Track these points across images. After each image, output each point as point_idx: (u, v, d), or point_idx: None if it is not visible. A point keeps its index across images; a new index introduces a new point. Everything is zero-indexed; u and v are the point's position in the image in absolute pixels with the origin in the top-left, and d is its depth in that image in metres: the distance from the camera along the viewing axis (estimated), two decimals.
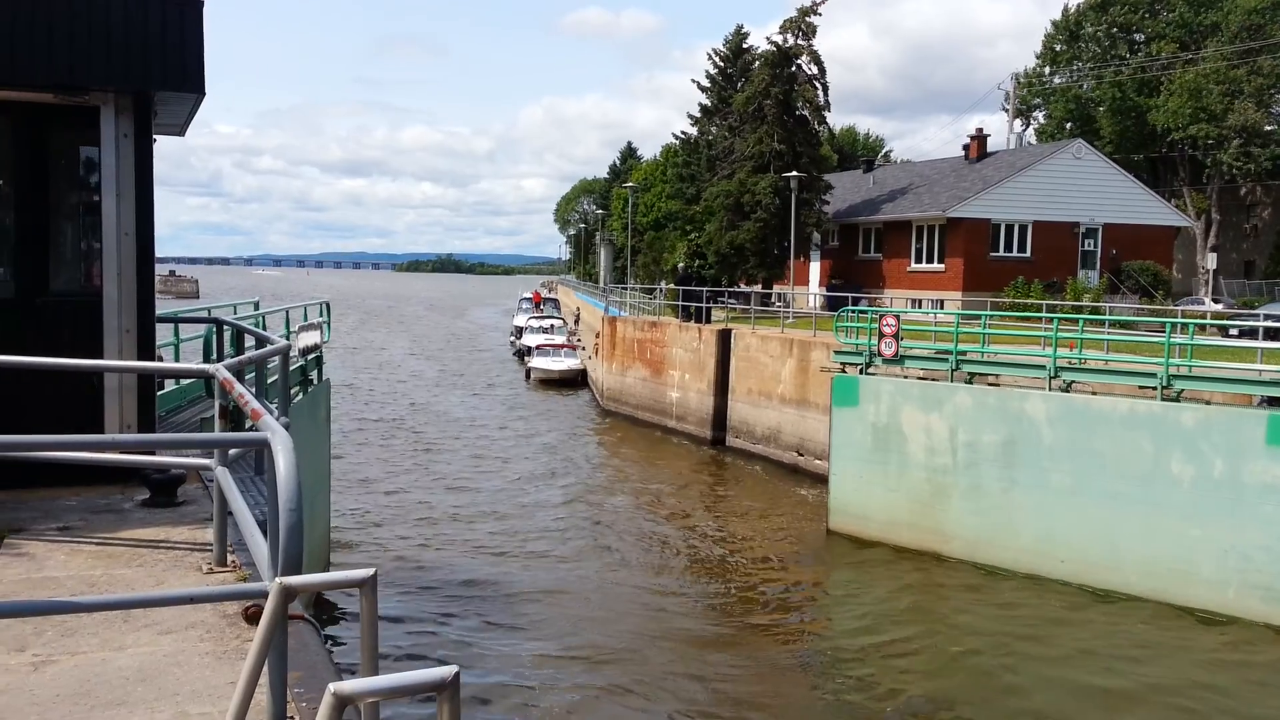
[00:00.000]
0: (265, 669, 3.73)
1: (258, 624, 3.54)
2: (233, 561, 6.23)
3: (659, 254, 64.86)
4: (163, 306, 12.45)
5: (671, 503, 22.76)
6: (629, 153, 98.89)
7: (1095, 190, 37.70)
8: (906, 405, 18.57)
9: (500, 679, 12.49)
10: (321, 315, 16.59)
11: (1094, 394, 16.73)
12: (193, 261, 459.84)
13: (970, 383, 18.13)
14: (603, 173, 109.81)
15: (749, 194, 41.70)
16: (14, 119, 8.36)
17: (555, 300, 72.85)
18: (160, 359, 11.10)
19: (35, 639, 5.07)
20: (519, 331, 56.17)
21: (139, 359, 8.41)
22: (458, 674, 2.51)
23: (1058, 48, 57.05)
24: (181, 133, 11.14)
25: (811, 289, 42.91)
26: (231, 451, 6.67)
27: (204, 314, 14.18)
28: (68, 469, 7.60)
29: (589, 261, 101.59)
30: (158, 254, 8.90)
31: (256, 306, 15.71)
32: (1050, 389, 16.98)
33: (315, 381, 15.03)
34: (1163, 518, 15.40)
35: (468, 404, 37.59)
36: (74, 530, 6.96)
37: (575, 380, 42.36)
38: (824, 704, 12.27)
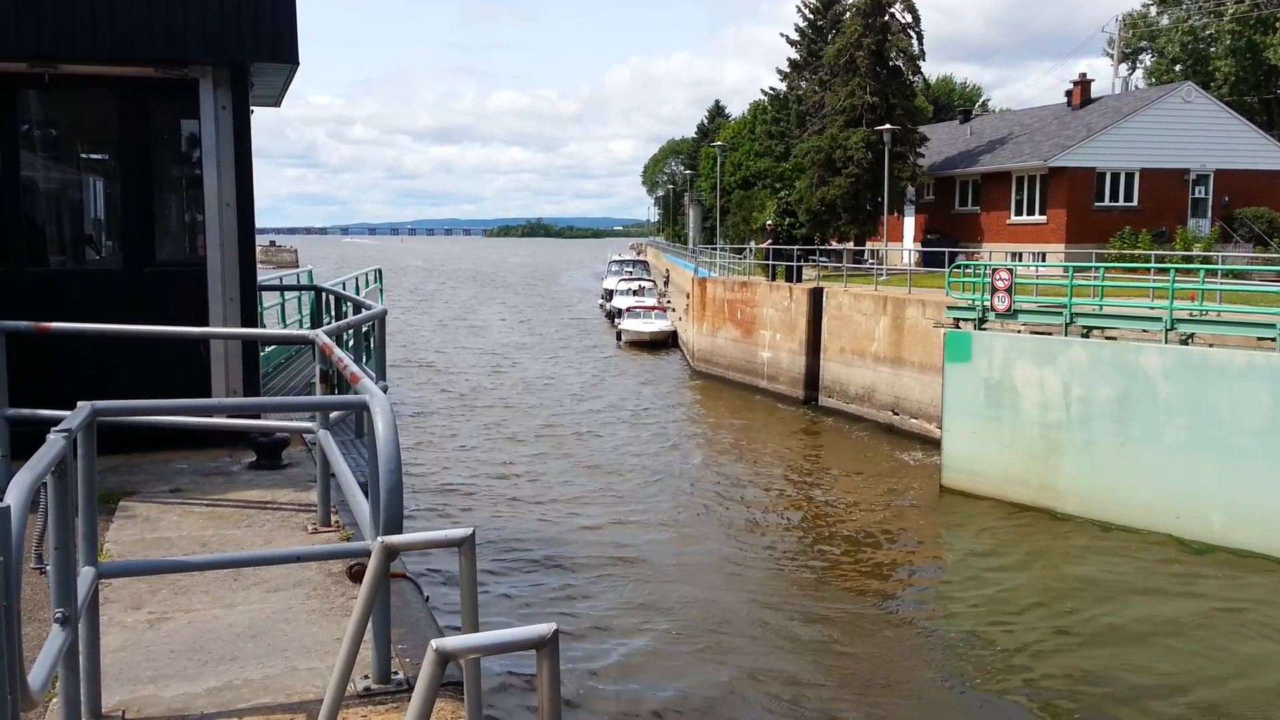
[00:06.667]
0: (369, 625, 3.78)
1: (361, 582, 3.59)
2: (336, 521, 6.37)
3: (748, 213, 64.23)
4: (263, 275, 12.82)
5: (769, 463, 22.64)
6: (716, 111, 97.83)
7: (1206, 135, 35.98)
8: (1020, 360, 18.23)
9: (595, 640, 12.60)
10: (375, 282, 17.03)
11: (1210, 346, 16.08)
12: (291, 231, 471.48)
13: (1086, 336, 17.66)
14: (690, 132, 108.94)
15: (840, 149, 40.90)
16: (118, 93, 8.59)
17: (644, 262, 72.83)
18: (264, 325, 11.40)
19: (151, 597, 5.25)
20: (609, 294, 56.39)
21: (243, 326, 8.63)
22: (556, 632, 2.50)
23: None
24: (277, 103, 11.35)
25: (906, 245, 41.99)
26: (333, 414, 6.80)
27: (276, 282, 14.82)
28: (178, 433, 7.87)
29: (678, 223, 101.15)
30: (258, 225, 9.10)
31: (311, 276, 16.44)
32: (1166, 342, 16.41)
33: None
34: None
35: (558, 366, 37.89)
36: (185, 492, 7.19)
37: (666, 342, 42.36)
38: (943, 673, 12.04)
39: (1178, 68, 52.95)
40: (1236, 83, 49.46)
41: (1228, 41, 49.77)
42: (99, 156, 9.43)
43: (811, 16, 49.90)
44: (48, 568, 3.46)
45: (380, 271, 18.26)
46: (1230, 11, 49.51)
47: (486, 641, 2.53)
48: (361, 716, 4.03)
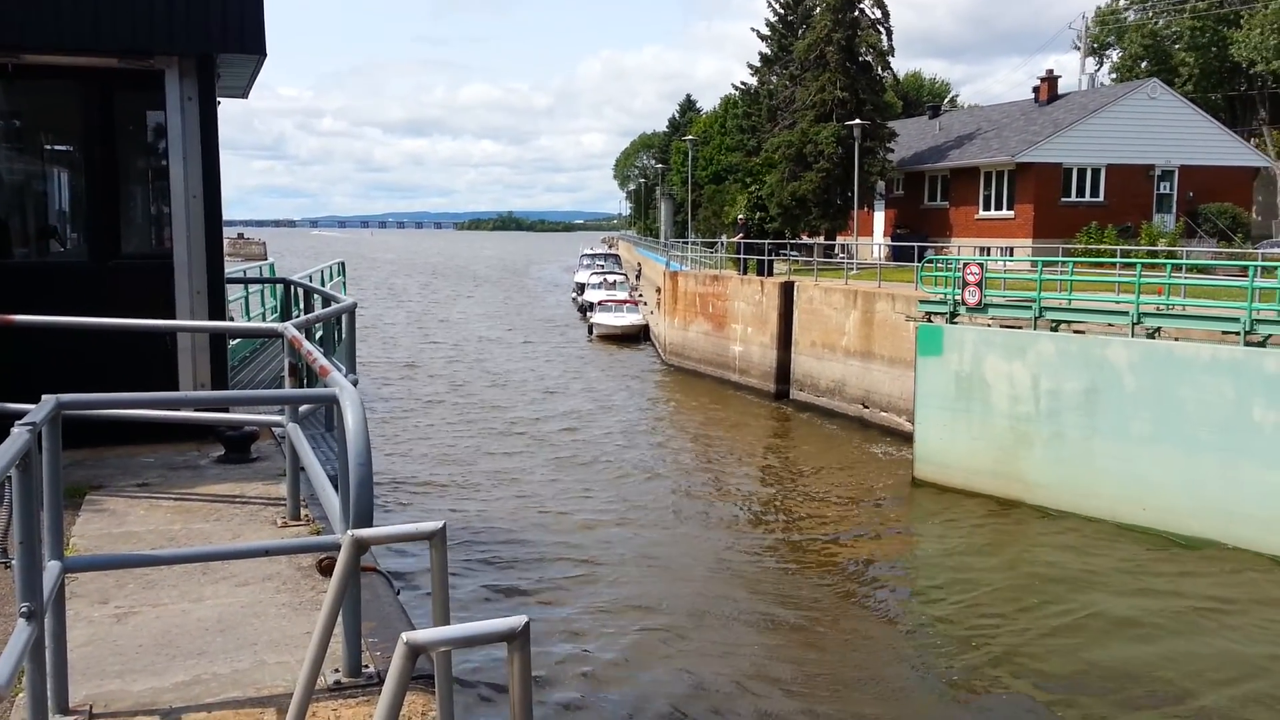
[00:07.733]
0: (340, 619, 3.77)
1: (331, 576, 3.58)
2: (305, 515, 6.34)
3: (720, 207, 64.32)
4: (231, 268, 12.71)
5: (741, 457, 22.72)
6: (688, 105, 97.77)
7: (1171, 131, 36.45)
8: (990, 354, 18.44)
9: (567, 633, 12.61)
10: (339, 276, 17.02)
11: (1175, 340, 16.33)
12: (260, 224, 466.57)
13: (1055, 330, 17.87)
14: (662, 126, 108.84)
15: (811, 144, 41.06)
16: (82, 85, 8.47)
17: (616, 256, 72.78)
18: (231, 318, 11.30)
19: (118, 591, 5.21)
20: (581, 288, 56.35)
21: (210, 319, 8.55)
22: (528, 624, 2.50)
23: None
24: (244, 95, 11.23)
25: (876, 239, 42.25)
26: (302, 408, 6.76)
27: (240, 275, 14.84)
28: (145, 427, 7.78)
29: (649, 217, 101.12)
30: (226, 217, 9.01)
31: (273, 270, 16.40)
32: (1133, 335, 16.64)
33: None
34: (1243, 464, 15.04)
35: (529, 360, 37.83)
36: (152, 486, 7.12)
37: (637, 335, 42.38)
38: (914, 666, 12.14)
39: (1143, 64, 53.55)
40: (1200, 79, 50.07)
41: (1187, 38, 50.33)
42: (63, 148, 9.29)
43: (782, 11, 49.97)
44: (13, 562, 3.42)
45: (344, 264, 18.15)
46: (1190, 6, 50.04)
47: (457, 634, 2.53)
48: (332, 710, 4.02)
